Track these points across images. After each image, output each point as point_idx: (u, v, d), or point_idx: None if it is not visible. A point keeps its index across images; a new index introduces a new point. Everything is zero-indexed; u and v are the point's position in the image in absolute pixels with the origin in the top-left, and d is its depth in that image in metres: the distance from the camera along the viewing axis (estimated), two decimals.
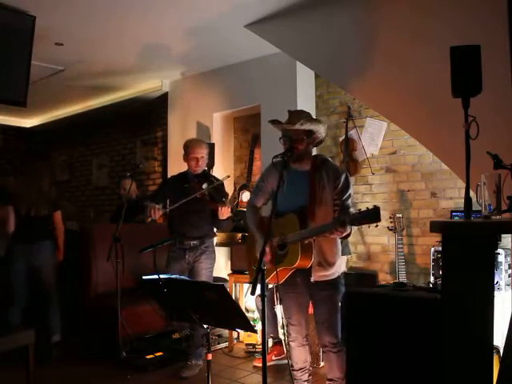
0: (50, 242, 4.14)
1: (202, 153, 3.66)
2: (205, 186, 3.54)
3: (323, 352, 2.84)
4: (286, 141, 2.63)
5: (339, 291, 2.70)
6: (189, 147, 3.68)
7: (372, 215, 2.25)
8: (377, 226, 2.39)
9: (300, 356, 2.79)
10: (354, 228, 2.69)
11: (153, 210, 3.43)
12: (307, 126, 2.60)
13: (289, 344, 2.82)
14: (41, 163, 4.43)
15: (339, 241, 2.74)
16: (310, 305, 2.84)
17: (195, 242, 3.64)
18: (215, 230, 3.83)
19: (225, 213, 3.45)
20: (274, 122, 2.67)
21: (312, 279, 2.62)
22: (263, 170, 2.91)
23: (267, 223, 2.42)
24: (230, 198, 4.35)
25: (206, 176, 3.74)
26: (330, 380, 2.71)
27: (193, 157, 3.64)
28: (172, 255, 3.71)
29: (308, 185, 2.64)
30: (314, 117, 4.48)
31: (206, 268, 3.68)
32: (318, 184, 2.63)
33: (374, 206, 2.26)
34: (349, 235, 2.53)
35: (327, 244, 2.63)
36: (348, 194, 2.63)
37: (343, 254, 2.98)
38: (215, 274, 4.06)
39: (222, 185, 3.73)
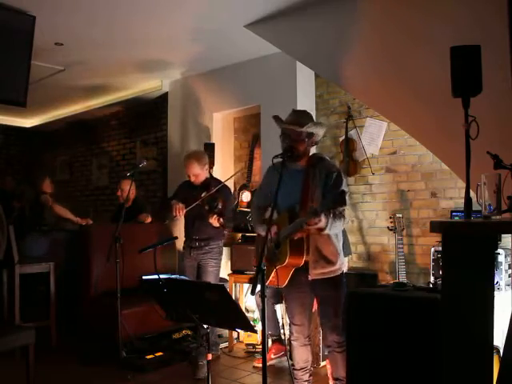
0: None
1: (194, 171, 3.88)
2: (203, 194, 3.76)
3: (327, 352, 2.83)
4: (285, 139, 2.64)
5: (343, 290, 2.70)
6: (184, 165, 3.94)
7: (336, 198, 2.32)
8: (344, 217, 2.50)
9: (302, 356, 2.79)
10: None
11: (178, 208, 3.70)
12: (312, 129, 2.64)
13: (291, 343, 2.82)
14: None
15: (336, 238, 2.70)
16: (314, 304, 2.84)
17: (200, 243, 3.91)
18: (222, 232, 3.98)
19: (213, 222, 3.66)
20: (278, 120, 2.69)
21: (309, 277, 2.62)
22: (264, 173, 2.92)
23: (268, 221, 2.44)
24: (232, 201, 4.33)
25: (208, 184, 3.90)
26: (336, 379, 2.72)
27: (188, 174, 3.92)
28: (183, 254, 4.06)
29: (301, 182, 2.66)
30: (314, 117, 4.52)
31: (212, 266, 3.90)
32: (311, 182, 2.64)
33: (341, 189, 2.35)
34: (325, 226, 2.47)
35: (322, 241, 2.61)
36: (339, 190, 2.57)
37: (344, 254, 2.99)
38: None
39: (218, 191, 3.82)
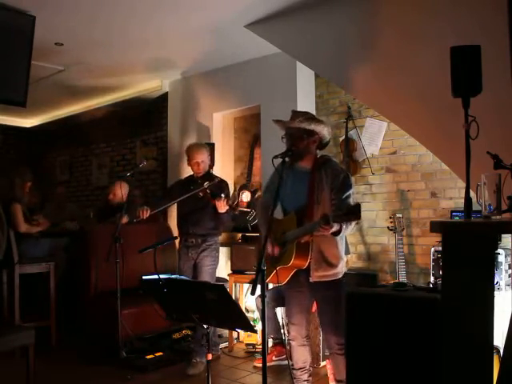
0: None
1: (202, 157, 3.86)
2: (206, 184, 3.69)
3: (329, 354, 2.83)
4: (287, 139, 2.67)
5: (343, 292, 2.69)
6: (189, 153, 3.91)
7: (352, 212, 2.24)
8: (357, 223, 2.37)
9: (300, 356, 2.79)
10: (353, 227, 2.69)
11: (142, 211, 3.68)
12: (306, 125, 2.63)
13: (289, 343, 2.82)
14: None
15: (340, 241, 2.72)
16: (313, 305, 2.84)
17: (198, 240, 3.82)
18: (219, 228, 3.95)
19: (221, 206, 3.61)
20: (277, 121, 2.73)
21: (311, 279, 2.63)
22: (273, 173, 2.88)
23: (269, 221, 2.43)
24: (231, 195, 4.36)
25: (210, 176, 3.90)
26: (340, 382, 2.71)
27: (194, 162, 3.85)
28: (179, 253, 3.95)
29: (308, 184, 2.66)
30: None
31: (207, 265, 3.83)
32: (317, 184, 2.64)
33: (356, 202, 2.27)
34: (338, 232, 2.47)
35: (326, 244, 2.62)
36: (347, 193, 2.58)
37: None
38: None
39: (221, 182, 3.88)
